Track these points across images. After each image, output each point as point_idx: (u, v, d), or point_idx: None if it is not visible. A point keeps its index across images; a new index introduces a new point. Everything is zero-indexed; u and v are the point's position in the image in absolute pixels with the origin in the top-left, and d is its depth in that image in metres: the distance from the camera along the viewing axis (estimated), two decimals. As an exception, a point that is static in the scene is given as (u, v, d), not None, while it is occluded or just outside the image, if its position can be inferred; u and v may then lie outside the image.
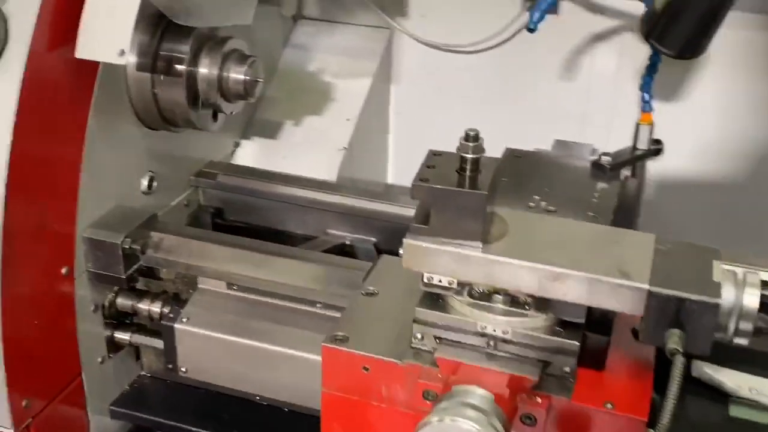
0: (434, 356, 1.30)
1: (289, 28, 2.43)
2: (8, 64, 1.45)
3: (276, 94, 2.32)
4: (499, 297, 1.31)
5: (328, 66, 2.36)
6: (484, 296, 1.32)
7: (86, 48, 1.50)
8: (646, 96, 1.79)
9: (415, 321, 1.33)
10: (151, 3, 1.58)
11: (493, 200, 1.33)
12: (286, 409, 1.74)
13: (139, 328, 1.84)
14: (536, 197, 1.66)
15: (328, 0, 2.41)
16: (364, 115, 2.28)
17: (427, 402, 1.28)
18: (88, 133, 1.63)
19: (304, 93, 2.31)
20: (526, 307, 1.30)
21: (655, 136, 1.89)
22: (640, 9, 1.69)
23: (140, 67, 1.71)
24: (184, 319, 1.72)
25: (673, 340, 1.16)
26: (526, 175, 1.76)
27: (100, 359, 1.80)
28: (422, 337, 1.34)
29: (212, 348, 1.70)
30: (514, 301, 1.31)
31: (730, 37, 1.72)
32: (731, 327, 1.21)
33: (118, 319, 1.83)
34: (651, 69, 1.74)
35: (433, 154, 1.35)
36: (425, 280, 1.31)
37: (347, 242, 1.98)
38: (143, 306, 1.78)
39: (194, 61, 1.73)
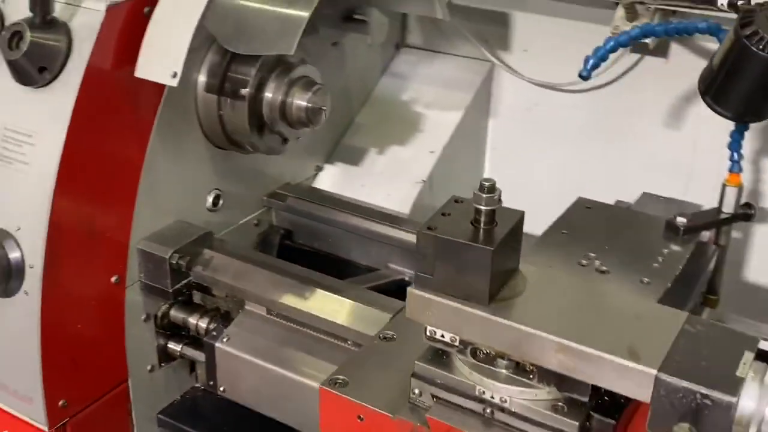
0: (425, 416, 1.23)
1: (391, 55, 2.41)
2: (69, 75, 1.53)
3: (366, 120, 2.30)
4: (503, 362, 1.22)
5: (421, 96, 2.32)
6: (488, 359, 1.24)
7: (144, 68, 1.56)
8: (735, 155, 1.62)
9: (413, 375, 1.27)
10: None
11: (512, 256, 1.25)
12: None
13: (192, 341, 1.87)
14: (592, 255, 1.54)
15: (433, 29, 2.38)
16: (449, 148, 2.22)
17: (413, 462, 1.22)
18: (150, 148, 1.68)
19: (394, 121, 2.28)
20: (531, 377, 1.20)
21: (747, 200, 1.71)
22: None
23: (208, 88, 1.74)
24: (225, 339, 1.73)
25: (682, 436, 1.04)
26: (590, 230, 1.64)
27: (149, 367, 1.85)
28: (420, 393, 1.27)
29: (246, 371, 1.70)
30: (518, 367, 1.22)
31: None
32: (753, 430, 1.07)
33: (172, 330, 1.86)
34: (741, 125, 1.58)
35: (455, 201, 1.28)
36: (428, 333, 1.25)
37: (406, 278, 1.93)
38: (192, 320, 1.81)
39: (260, 85, 1.74)
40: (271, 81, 1.75)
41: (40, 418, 1.64)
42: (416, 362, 1.27)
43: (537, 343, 1.15)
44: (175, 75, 1.53)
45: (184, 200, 1.83)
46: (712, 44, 1.76)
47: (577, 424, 1.16)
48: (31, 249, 1.55)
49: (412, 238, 1.91)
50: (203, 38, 1.63)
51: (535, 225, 1.48)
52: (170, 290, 1.74)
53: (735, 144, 1.61)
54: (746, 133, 1.68)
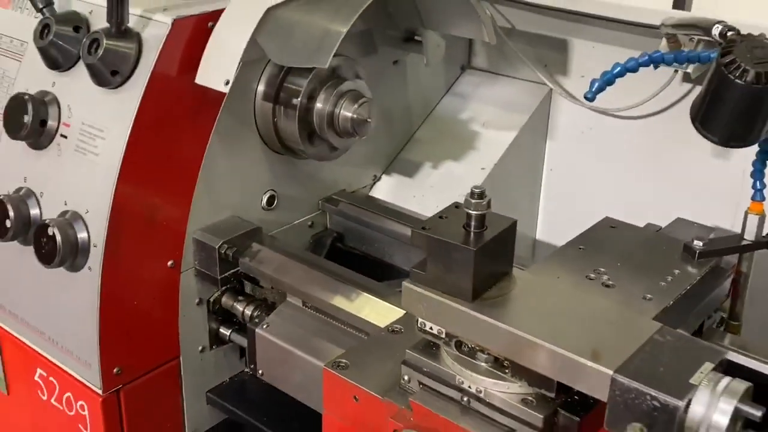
0: (409, 399, 1.34)
1: (455, 76, 2.53)
2: (137, 79, 1.73)
3: (424, 136, 2.43)
4: (483, 355, 1.32)
5: (479, 115, 2.42)
6: (470, 352, 1.34)
7: (202, 76, 1.74)
8: (758, 183, 1.65)
9: (403, 363, 1.38)
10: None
11: (500, 260, 1.34)
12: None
13: (240, 328, 2.04)
14: (602, 270, 1.60)
15: (497, 53, 2.48)
16: (500, 166, 2.32)
17: (394, 442, 1.32)
18: (209, 148, 1.86)
19: (450, 138, 2.40)
20: (506, 371, 1.30)
21: (773, 228, 1.73)
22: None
23: (265, 97, 1.92)
24: (265, 326, 1.88)
25: (633, 434, 1.11)
26: (608, 247, 1.70)
27: (200, 348, 2.02)
28: (409, 380, 1.38)
29: (281, 356, 1.85)
30: (496, 362, 1.31)
31: None
32: (700, 436, 1.13)
33: (224, 316, 2.04)
34: (763, 153, 1.61)
35: (455, 206, 1.39)
36: (419, 325, 1.36)
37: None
38: (239, 307, 1.98)
39: (311, 96, 1.90)
40: (322, 92, 1.91)
41: (96, 382, 1.84)
42: (407, 351, 1.38)
43: (508, 339, 1.24)
44: (227, 83, 1.70)
45: (239, 198, 2.00)
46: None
47: (542, 417, 1.24)
48: (96, 230, 1.76)
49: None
50: (263, 52, 1.81)
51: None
52: (219, 277, 1.91)
53: (758, 173, 1.64)
54: (770, 163, 1.70)
